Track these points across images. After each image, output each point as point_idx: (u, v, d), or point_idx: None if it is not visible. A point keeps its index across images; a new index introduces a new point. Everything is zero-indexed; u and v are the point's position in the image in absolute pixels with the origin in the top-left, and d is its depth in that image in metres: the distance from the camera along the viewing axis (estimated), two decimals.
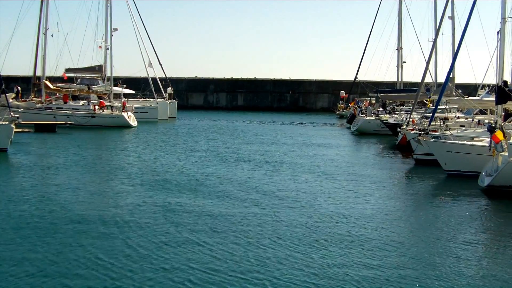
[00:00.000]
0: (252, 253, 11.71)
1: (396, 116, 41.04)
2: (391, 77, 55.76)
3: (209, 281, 10.13)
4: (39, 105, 44.17)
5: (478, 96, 33.07)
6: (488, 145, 19.79)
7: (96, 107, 43.80)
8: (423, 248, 12.48)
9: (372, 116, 44.02)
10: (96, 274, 10.33)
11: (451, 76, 30.98)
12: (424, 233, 13.85)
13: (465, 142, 22.64)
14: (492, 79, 27.74)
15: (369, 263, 11.23)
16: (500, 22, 22.14)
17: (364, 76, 58.49)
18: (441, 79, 40.82)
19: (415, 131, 26.31)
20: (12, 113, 27.67)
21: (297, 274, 10.53)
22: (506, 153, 18.08)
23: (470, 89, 38.24)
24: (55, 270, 10.48)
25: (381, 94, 50.66)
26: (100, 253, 11.46)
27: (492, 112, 26.21)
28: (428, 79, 39.27)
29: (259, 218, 14.63)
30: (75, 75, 49.18)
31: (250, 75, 78.60)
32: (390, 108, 47.23)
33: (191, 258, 11.29)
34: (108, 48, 47.04)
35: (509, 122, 23.32)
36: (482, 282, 10.47)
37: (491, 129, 19.60)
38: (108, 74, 47.44)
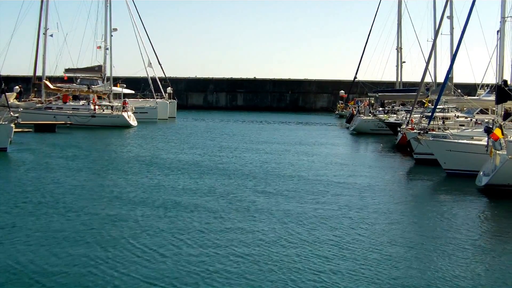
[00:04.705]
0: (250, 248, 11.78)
1: (396, 115, 41.08)
2: (390, 77, 55.87)
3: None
4: (39, 105, 44.20)
5: (478, 96, 33.10)
6: (485, 145, 19.78)
7: (96, 107, 43.86)
8: (421, 247, 12.48)
9: (369, 115, 44.14)
10: (91, 269, 10.39)
11: (450, 76, 30.99)
12: (421, 232, 13.86)
13: (464, 141, 22.67)
14: (491, 79, 27.77)
15: (367, 261, 11.25)
16: (500, 22, 22.16)
17: (364, 76, 58.58)
18: (440, 78, 40.82)
19: (415, 131, 26.34)
20: (11, 113, 27.69)
21: (295, 273, 10.56)
22: (505, 152, 18.08)
23: (469, 89, 38.24)
24: (52, 266, 10.55)
25: (379, 94, 50.73)
26: (98, 249, 11.51)
27: (493, 112, 26.23)
28: (427, 79, 39.27)
29: (258, 214, 14.71)
30: (75, 75, 49.19)
31: (250, 75, 78.78)
32: (389, 108, 47.27)
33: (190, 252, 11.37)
34: (107, 48, 47.12)
35: (509, 121, 23.32)
36: (480, 282, 10.49)
37: (488, 130, 19.60)
38: (108, 74, 47.50)
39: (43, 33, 46.78)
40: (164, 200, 16.62)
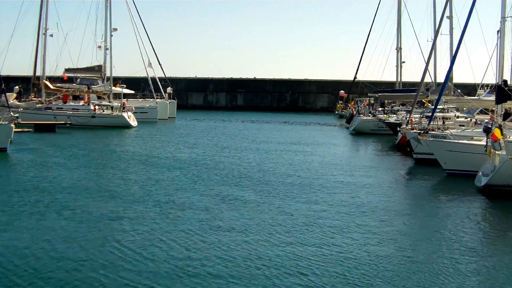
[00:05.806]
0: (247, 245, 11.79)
1: (396, 115, 41.08)
2: (390, 77, 55.84)
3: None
4: (39, 105, 44.21)
5: (478, 96, 33.10)
6: (484, 145, 19.77)
7: (97, 107, 43.88)
8: (419, 247, 12.48)
9: (369, 115, 44.19)
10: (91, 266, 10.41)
11: (450, 76, 31.00)
12: (420, 232, 13.87)
13: (464, 141, 22.67)
14: (491, 79, 27.77)
15: (367, 261, 11.24)
16: (500, 22, 22.15)
17: (364, 76, 58.57)
18: (440, 78, 40.84)
19: (415, 131, 26.35)
20: (11, 113, 27.70)
21: (292, 272, 10.57)
22: (504, 152, 18.07)
23: (469, 89, 38.25)
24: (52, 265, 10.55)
25: (379, 94, 50.76)
26: (97, 247, 11.53)
27: (493, 112, 26.24)
28: (427, 79, 39.29)
29: (255, 213, 14.72)
30: (75, 75, 49.23)
31: (250, 75, 78.85)
32: (388, 108, 47.28)
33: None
34: (107, 48, 47.13)
35: (509, 121, 23.32)
36: (479, 282, 10.48)
37: (487, 130, 19.59)
38: (108, 74, 47.52)
39: (43, 33, 46.82)
40: (163, 199, 16.62)
